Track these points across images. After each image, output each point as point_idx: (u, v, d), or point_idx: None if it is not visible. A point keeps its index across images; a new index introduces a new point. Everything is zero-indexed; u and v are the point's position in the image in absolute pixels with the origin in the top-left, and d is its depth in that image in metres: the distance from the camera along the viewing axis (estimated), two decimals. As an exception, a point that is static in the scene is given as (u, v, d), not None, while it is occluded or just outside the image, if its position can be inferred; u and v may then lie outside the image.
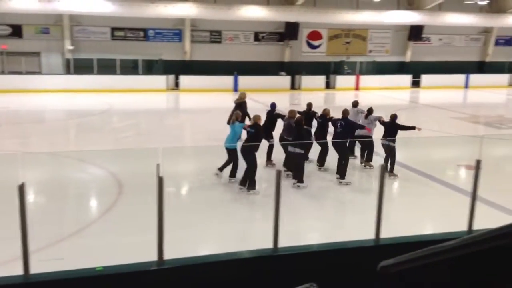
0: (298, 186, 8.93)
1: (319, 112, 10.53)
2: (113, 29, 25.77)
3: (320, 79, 28.05)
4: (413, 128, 9.97)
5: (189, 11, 24.71)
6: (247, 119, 11.49)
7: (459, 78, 29.44)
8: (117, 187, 8.93)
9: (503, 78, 30.60)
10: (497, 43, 31.73)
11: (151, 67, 26.91)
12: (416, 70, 29.48)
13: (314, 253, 4.33)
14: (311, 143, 10.22)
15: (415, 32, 29.35)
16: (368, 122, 10.53)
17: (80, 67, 24.91)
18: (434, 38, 30.84)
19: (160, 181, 3.97)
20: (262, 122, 9.34)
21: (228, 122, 11.40)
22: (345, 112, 9.94)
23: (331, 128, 10.26)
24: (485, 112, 21.13)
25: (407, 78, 29.23)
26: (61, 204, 8.29)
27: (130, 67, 26.32)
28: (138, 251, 4.56)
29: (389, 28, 29.52)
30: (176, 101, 24.58)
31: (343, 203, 8.85)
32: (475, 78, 29.83)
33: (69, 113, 18.89)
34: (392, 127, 9.95)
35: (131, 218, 7.34)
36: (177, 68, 26.32)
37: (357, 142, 10.86)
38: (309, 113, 10.58)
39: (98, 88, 23.62)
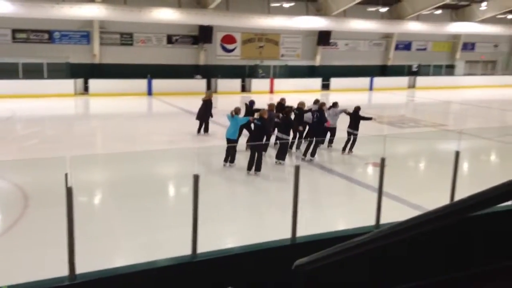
0: (280, 163, 10.83)
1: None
2: (14, 31, 24.02)
3: (236, 83, 28.32)
4: (370, 119, 12.34)
5: (97, 12, 23.73)
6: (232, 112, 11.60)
7: (364, 81, 31.20)
8: (23, 200, 8.31)
9: (404, 80, 32.96)
10: (397, 47, 34.15)
11: (57, 71, 25.41)
12: (325, 74, 30.80)
13: (233, 256, 4.34)
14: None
15: (323, 37, 30.69)
16: (333, 114, 12.26)
17: (-24, 71, 22.92)
18: (341, 43, 32.48)
19: (69, 192, 3.76)
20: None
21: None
22: (321, 105, 11.86)
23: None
24: (388, 112, 22.61)
25: (317, 81, 30.42)
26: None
27: (34, 71, 24.65)
28: (48, 266, 4.28)
29: (299, 33, 30.59)
30: (86, 106, 23.46)
31: (265, 203, 9.00)
32: (378, 80, 31.80)
33: (-36, 121, 17.26)
34: (355, 117, 12.05)
35: (39, 232, 6.87)
36: (86, 72, 25.14)
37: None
38: (284, 107, 12.31)
39: (-1, 93, 21.90)
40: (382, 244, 1.79)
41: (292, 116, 11.78)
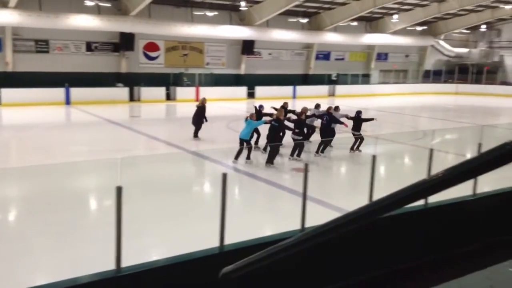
0: (296, 159, 12.05)
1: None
2: None
3: (160, 91, 27.80)
4: (372, 119, 13.69)
5: (9, 18, 22.29)
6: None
7: (288, 89, 31.99)
8: None
9: (324, 88, 34.23)
10: (317, 57, 35.48)
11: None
12: (250, 82, 31.21)
13: (159, 268, 4.24)
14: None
15: (248, 47, 31.16)
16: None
17: None
18: (265, 52, 33.13)
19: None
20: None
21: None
22: (329, 109, 13.31)
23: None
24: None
25: (243, 90, 30.75)
26: None
27: None
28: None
29: (224, 42, 30.78)
30: (-3, 117, 21.86)
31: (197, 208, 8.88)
32: (301, 89, 32.76)
33: None
34: (358, 120, 13.21)
35: None
36: (-3, 81, 23.47)
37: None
38: (287, 111, 13.54)
39: None
40: (307, 246, 1.84)
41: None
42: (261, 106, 14.35)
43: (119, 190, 4.15)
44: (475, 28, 39.92)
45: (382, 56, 38.76)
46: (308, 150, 13.17)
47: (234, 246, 4.90)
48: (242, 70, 32.19)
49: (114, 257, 4.11)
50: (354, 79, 36.19)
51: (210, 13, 27.47)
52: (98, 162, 11.23)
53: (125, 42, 26.75)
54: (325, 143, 12.98)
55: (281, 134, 12.12)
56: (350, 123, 13.52)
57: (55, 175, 9.71)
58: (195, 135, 15.37)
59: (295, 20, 31.31)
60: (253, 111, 13.85)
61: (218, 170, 11.39)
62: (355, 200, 8.60)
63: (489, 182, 8.43)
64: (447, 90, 37.56)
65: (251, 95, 30.83)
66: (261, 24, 29.93)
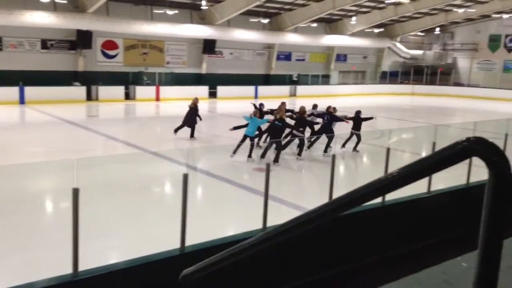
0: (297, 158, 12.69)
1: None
2: None
3: (119, 90, 27.20)
4: (371, 118, 14.24)
5: (-43, 12, 21.26)
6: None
7: (250, 89, 32.06)
8: None
9: (285, 89, 34.51)
10: (278, 58, 35.74)
11: None
12: (212, 82, 31.07)
13: (118, 271, 4.16)
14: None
15: (209, 46, 31.00)
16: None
17: None
18: (226, 52, 33.07)
19: None
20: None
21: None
22: (328, 109, 13.88)
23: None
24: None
25: (204, 89, 30.53)
26: None
27: None
28: None
29: (184, 41, 30.50)
30: None
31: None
32: (262, 89, 32.91)
33: None
34: (357, 120, 13.74)
35: None
36: None
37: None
38: (286, 110, 13.67)
39: None
40: (267, 246, 1.84)
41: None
42: (261, 105, 14.73)
43: (75, 192, 4.03)
44: (429, 30, 41.32)
45: (341, 57, 39.49)
46: (291, 152, 13.22)
47: (195, 247, 4.87)
48: (204, 70, 32.00)
49: (71, 260, 3.99)
50: (315, 80, 36.69)
51: (170, 12, 27.13)
52: (54, 163, 10.87)
53: (82, 40, 26.03)
54: (328, 142, 13.43)
55: (284, 132, 12.87)
56: (349, 123, 14.05)
57: (9, 176, 9.32)
58: (191, 135, 15.38)
59: (256, 20, 31.42)
60: (253, 109, 14.02)
61: (179, 171, 11.27)
62: (317, 199, 8.70)
63: (442, 180, 8.74)
64: (403, 91, 38.68)
65: (212, 94, 30.69)
66: (223, 24, 29.85)
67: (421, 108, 30.63)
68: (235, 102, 29.08)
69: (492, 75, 38.97)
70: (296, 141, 13.11)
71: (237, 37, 31.20)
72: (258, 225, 6.07)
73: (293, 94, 34.45)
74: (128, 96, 27.63)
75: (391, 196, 7.08)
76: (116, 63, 28.52)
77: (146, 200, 9.34)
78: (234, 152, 12.32)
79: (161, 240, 6.59)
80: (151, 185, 10.53)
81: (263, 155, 12.24)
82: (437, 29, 40.81)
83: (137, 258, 4.44)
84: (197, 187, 10.02)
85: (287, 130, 13.13)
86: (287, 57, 36.62)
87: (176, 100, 27.94)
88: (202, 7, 27.93)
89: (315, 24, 34.39)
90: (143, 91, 28.01)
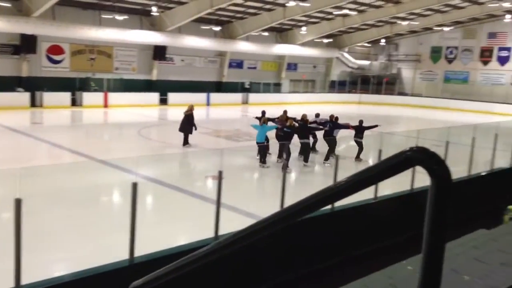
0: (305, 164, 13.31)
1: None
2: None
3: (65, 96, 26.26)
4: (375, 126, 14.29)
5: None
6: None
7: (201, 96, 31.92)
8: None
9: (238, 96, 34.66)
10: (230, 65, 35.85)
11: None
12: (163, 88, 30.66)
13: (65, 284, 4.00)
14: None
15: (159, 52, 30.61)
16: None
17: None
18: (177, 58, 32.78)
19: None
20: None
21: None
22: (331, 117, 14.55)
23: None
24: (224, 127, 23.51)
25: (155, 96, 30.11)
26: None
27: None
28: None
29: (134, 46, 29.96)
30: None
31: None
32: (214, 96, 32.89)
33: None
34: (360, 129, 14.09)
35: None
36: None
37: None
38: (287, 118, 14.43)
39: None
40: (218, 256, 1.84)
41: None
42: (263, 112, 15.13)
43: (18, 202, 3.86)
44: (375, 42, 42.88)
45: (292, 66, 40.16)
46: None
47: (144, 258, 4.77)
48: (154, 76, 31.54)
49: (13, 274, 3.80)
50: (266, 88, 37.07)
51: (119, 17, 26.58)
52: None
53: (26, 44, 24.97)
54: (330, 151, 13.73)
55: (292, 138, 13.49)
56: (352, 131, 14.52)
57: None
58: (185, 142, 15.34)
59: (208, 27, 31.40)
60: (259, 116, 14.92)
61: (128, 179, 11.03)
62: (265, 205, 8.77)
63: (389, 186, 9.06)
64: (351, 100, 39.81)
65: (163, 101, 30.29)
66: (174, 30, 29.59)
67: (368, 116, 31.58)
68: (232, 108, 28.87)
69: (434, 85, 40.92)
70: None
71: (189, 44, 31.02)
72: (209, 234, 6.04)
73: (245, 102, 34.63)
74: (74, 103, 26.73)
75: (340, 202, 7.26)
76: (62, 69, 27.54)
77: (93, 210, 9.06)
78: (264, 162, 12.99)
79: (109, 251, 6.40)
80: (99, 195, 10.23)
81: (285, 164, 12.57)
82: (383, 40, 42.44)
83: (84, 270, 4.30)
84: (147, 196, 9.84)
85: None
86: (239, 64, 36.80)
87: (126, 106, 27.37)
88: (152, 13, 27.58)
89: (266, 33, 34.81)
90: (90, 98, 27.20)
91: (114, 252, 5.17)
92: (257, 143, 13.33)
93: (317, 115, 16.18)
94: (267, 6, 29.79)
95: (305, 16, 31.65)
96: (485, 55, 39.01)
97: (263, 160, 12.99)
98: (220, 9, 27.66)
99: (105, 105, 27.59)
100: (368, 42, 42.82)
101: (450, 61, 41.17)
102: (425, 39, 42.09)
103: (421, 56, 42.72)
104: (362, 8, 31.92)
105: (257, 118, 14.89)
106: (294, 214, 1.41)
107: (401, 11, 31.60)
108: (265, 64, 38.40)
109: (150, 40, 29.33)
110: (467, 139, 11.61)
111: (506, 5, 29.91)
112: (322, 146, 14.58)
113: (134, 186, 4.70)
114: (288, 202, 7.68)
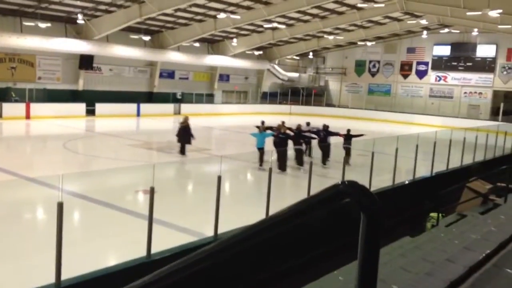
0: (299, 168, 14.71)
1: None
2: None
3: (-19, 107, 24.51)
4: (362, 135, 15.98)
5: None
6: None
7: (132, 106, 31.09)
8: None
9: (169, 107, 34.13)
10: (161, 75, 35.30)
11: None
12: (90, 99, 29.46)
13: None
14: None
15: (86, 61, 29.46)
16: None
17: None
18: (105, 68, 31.75)
19: None
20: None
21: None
22: (324, 126, 16.32)
23: None
24: (156, 138, 23.08)
25: (81, 107, 28.86)
26: None
27: None
28: None
29: (58, 55, 28.63)
30: None
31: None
32: (145, 107, 32.16)
33: None
34: (349, 136, 15.98)
35: None
36: None
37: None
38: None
39: None
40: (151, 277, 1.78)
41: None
42: (263, 122, 16.68)
43: None
44: (304, 55, 44.23)
45: (224, 77, 40.34)
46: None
47: (73, 281, 4.54)
48: (80, 86, 30.28)
49: None
50: (199, 98, 36.89)
51: (42, 25, 25.31)
52: None
53: None
54: (325, 155, 15.51)
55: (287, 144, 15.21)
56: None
57: None
58: (183, 152, 16.39)
59: (137, 37, 30.75)
60: (259, 124, 16.47)
61: (54, 196, 10.49)
62: (198, 219, 8.67)
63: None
64: (282, 111, 40.58)
65: (90, 112, 29.10)
66: (101, 39, 28.65)
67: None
68: (116, 120, 27.98)
69: (359, 97, 42.82)
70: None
71: (117, 53, 30.16)
72: (141, 252, 5.86)
73: (177, 113, 34.19)
74: (-8, 114, 24.98)
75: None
76: (-22, 78, 25.70)
77: (16, 230, 8.48)
78: (260, 164, 14.55)
79: (31, 273, 6.02)
80: (21, 214, 9.61)
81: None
82: (311, 53, 43.88)
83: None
84: (74, 214, 9.38)
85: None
86: (170, 75, 36.35)
87: (50, 118, 26.00)
88: (78, 21, 26.54)
89: (197, 44, 34.73)
90: (11, 109, 25.58)
91: (36, 274, 4.87)
92: (258, 148, 15.01)
93: (308, 124, 17.86)
94: (198, 17, 29.77)
95: (236, 28, 31.98)
96: (405, 69, 41.53)
97: (260, 164, 14.59)
98: (149, 18, 27.21)
99: (27, 117, 26.05)
100: (297, 55, 44.08)
101: (373, 74, 43.36)
102: (350, 53, 44.07)
103: (347, 69, 44.64)
104: (291, 22, 32.85)
105: (256, 127, 16.34)
106: (227, 249, 1.42)
107: (327, 26, 32.90)
108: (197, 75, 38.24)
109: (75, 49, 28.18)
110: (391, 149, 12.27)
111: (423, 22, 32.15)
112: (317, 152, 16.06)
113: (60, 206, 4.47)
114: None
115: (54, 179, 11.21)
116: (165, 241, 7.24)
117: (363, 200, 0.96)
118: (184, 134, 16.37)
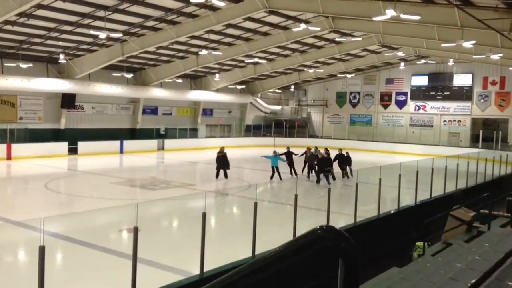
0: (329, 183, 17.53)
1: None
2: None
3: (-41, 149, 24.08)
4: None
5: None
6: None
7: (114, 144, 30.89)
8: None
9: (153, 143, 34.02)
10: (144, 112, 35.32)
11: None
12: (72, 137, 29.24)
13: None
14: None
15: (68, 100, 29.35)
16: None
17: None
18: (87, 106, 31.67)
19: None
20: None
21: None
22: (326, 150, 20.14)
23: None
24: (140, 175, 22.88)
25: (63, 146, 28.55)
26: None
27: None
28: None
29: (40, 95, 28.55)
30: None
31: None
32: (128, 143, 31.96)
33: None
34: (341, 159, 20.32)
35: None
36: None
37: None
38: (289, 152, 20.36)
39: None
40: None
41: None
42: (275, 152, 20.19)
43: None
44: (286, 88, 44.88)
45: (208, 111, 40.55)
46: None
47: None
48: (62, 125, 30.08)
49: None
50: (183, 133, 36.89)
51: (24, 65, 25.34)
52: None
53: None
54: (345, 174, 19.80)
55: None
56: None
57: None
58: (225, 175, 19.40)
59: (119, 74, 30.91)
60: (284, 151, 20.51)
61: (35, 238, 10.26)
62: (183, 257, 8.51)
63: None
64: (266, 143, 40.78)
65: (73, 150, 28.81)
66: (83, 78, 28.72)
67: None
68: (99, 158, 27.73)
69: (341, 128, 43.34)
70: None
71: (99, 91, 30.20)
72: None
73: (161, 148, 34.10)
74: (-28, 156, 24.55)
75: (259, 250, 7.28)
76: (-43, 119, 25.39)
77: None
78: (280, 177, 18.92)
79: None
80: (2, 257, 9.35)
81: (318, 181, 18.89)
82: (292, 86, 44.57)
83: None
84: (56, 256, 9.16)
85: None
86: (154, 111, 36.41)
87: (31, 158, 25.65)
88: (60, 61, 26.63)
89: (180, 80, 35.01)
90: (-9, 150, 25.18)
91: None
92: (272, 167, 19.21)
93: (327, 150, 20.67)
94: (180, 54, 30.14)
95: (218, 63, 32.42)
96: (385, 99, 42.34)
97: (279, 177, 18.90)
98: (132, 56, 27.45)
99: (8, 157, 25.66)
100: (279, 88, 44.72)
101: (354, 105, 44.08)
102: (330, 85, 44.88)
103: (328, 100, 45.33)
104: (272, 56, 33.46)
105: (273, 151, 20.24)
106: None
107: (307, 59, 33.59)
108: (180, 110, 38.37)
109: (57, 88, 28.17)
110: (375, 178, 12.37)
111: (400, 54, 33.05)
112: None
113: (42, 250, 4.38)
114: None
115: (36, 221, 11.00)
116: (150, 280, 7.10)
117: (340, 245, 0.99)
118: (223, 163, 19.33)
